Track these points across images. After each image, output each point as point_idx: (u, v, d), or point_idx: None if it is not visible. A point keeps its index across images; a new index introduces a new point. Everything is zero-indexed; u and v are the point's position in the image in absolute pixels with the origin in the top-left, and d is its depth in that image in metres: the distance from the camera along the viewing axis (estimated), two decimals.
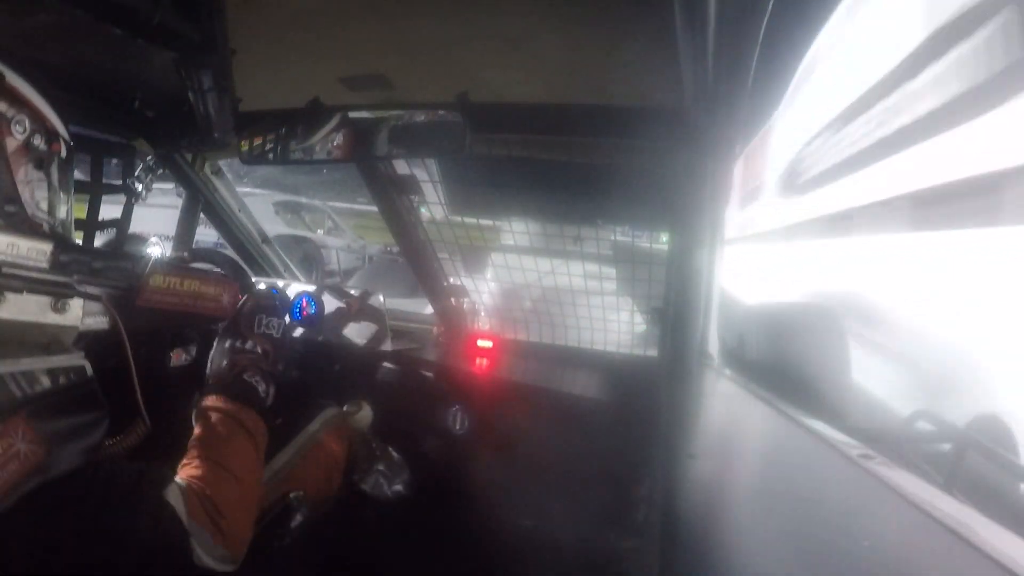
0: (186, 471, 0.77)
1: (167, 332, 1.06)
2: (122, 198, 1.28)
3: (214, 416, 0.84)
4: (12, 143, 0.67)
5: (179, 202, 1.68)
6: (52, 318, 0.66)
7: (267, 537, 0.88)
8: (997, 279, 2.29)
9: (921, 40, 3.02)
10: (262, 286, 1.28)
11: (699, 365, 1.36)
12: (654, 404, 1.27)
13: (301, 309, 1.57)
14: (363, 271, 3.33)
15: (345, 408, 1.31)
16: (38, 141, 0.70)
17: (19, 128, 0.67)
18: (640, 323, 1.62)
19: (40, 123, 0.70)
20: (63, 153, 0.74)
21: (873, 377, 3.00)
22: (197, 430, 0.84)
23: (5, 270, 0.60)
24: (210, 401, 0.86)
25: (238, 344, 0.96)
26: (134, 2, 0.76)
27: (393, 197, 1.43)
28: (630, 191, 1.34)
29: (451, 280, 1.63)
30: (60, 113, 0.74)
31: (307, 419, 1.20)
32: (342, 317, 1.53)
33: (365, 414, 1.33)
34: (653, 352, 1.52)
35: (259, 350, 0.97)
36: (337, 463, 1.20)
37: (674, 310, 1.36)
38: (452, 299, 1.65)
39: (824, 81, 4.06)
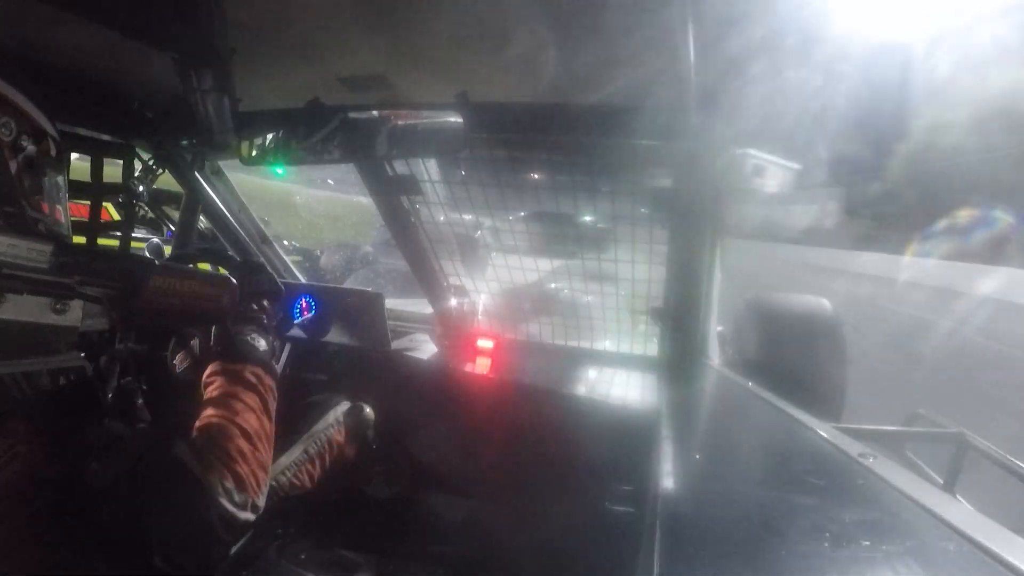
0: (195, 428, 0.77)
1: (169, 334, 1.06)
2: None
3: (217, 379, 0.84)
4: (1, 146, 0.67)
5: None
6: (52, 319, 0.66)
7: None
8: None
9: None
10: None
11: (699, 365, 1.36)
12: (654, 404, 1.27)
13: (301, 310, 1.57)
14: (360, 271, 3.31)
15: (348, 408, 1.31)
16: (26, 141, 0.70)
17: (5, 131, 0.67)
18: (640, 323, 1.62)
19: (26, 123, 0.70)
20: (52, 151, 0.74)
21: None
22: (205, 395, 0.83)
23: (5, 271, 0.60)
24: (213, 367, 0.86)
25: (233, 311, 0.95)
26: (134, 3, 0.76)
27: (393, 197, 1.43)
28: (630, 191, 1.34)
29: (451, 280, 1.62)
30: (47, 111, 0.74)
31: (318, 415, 1.21)
32: (342, 317, 1.53)
33: (367, 415, 1.34)
34: (653, 352, 1.52)
35: (254, 307, 0.97)
36: (344, 460, 1.21)
37: (674, 310, 1.36)
38: (452, 299, 1.65)
39: None
